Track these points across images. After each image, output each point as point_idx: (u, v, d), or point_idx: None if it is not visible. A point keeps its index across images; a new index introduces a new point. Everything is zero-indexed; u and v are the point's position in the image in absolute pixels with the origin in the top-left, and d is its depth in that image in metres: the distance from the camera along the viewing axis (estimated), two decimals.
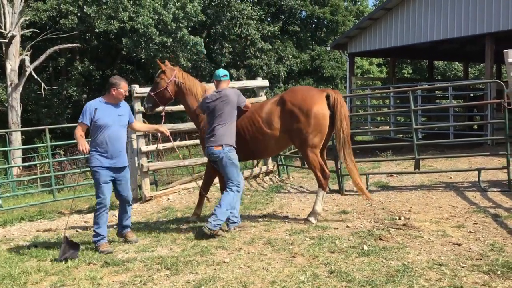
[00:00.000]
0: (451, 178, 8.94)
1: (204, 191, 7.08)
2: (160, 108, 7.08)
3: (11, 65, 22.79)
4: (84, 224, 7.78)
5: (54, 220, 8.50)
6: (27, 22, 25.45)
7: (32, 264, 5.39)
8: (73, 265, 5.20)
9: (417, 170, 8.81)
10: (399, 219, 6.33)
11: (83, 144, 5.73)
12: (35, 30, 24.89)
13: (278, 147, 6.85)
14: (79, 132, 5.92)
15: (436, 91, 18.30)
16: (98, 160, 5.85)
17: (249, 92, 28.04)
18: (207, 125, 6.53)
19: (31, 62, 23.47)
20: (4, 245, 6.69)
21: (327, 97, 6.38)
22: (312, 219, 6.42)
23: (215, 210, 6.08)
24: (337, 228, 6.07)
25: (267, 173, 10.63)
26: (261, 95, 10.58)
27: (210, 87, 7.10)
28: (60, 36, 25.35)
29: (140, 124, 6.60)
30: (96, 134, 5.90)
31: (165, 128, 6.60)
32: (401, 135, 16.46)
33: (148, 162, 9.53)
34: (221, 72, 6.57)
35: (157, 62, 7.13)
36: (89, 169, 6.15)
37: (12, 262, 5.54)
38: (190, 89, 6.89)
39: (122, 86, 6.03)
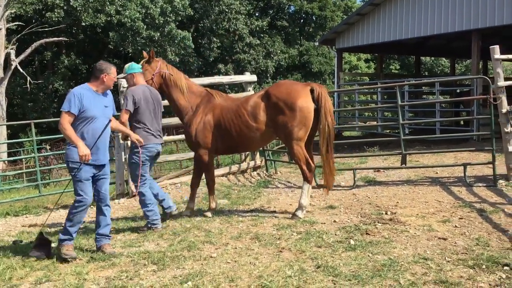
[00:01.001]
0: (437, 173, 9.01)
1: (195, 185, 7.08)
2: None
3: None
4: None
5: (40, 215, 8.43)
6: (12, 15, 25.12)
7: (17, 259, 5.32)
8: (59, 261, 5.15)
9: (403, 165, 8.87)
10: (386, 214, 6.37)
11: (83, 149, 5.06)
12: (20, 23, 24.58)
13: (263, 141, 6.92)
14: (68, 126, 5.13)
15: (423, 87, 18.43)
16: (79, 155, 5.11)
17: (237, 87, 28.05)
18: (188, 120, 6.74)
19: (17, 55, 23.16)
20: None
21: (312, 91, 6.43)
22: (299, 213, 6.44)
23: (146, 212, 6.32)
24: (324, 223, 6.09)
25: (254, 168, 10.63)
26: (249, 90, 10.55)
27: (189, 80, 7.12)
28: (46, 29, 25.08)
29: (115, 122, 5.70)
30: (80, 126, 5.17)
31: (138, 137, 6.04)
32: (388, 131, 16.54)
33: None
34: (137, 65, 6.57)
35: (142, 53, 7.01)
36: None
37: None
38: (176, 82, 6.84)
39: (113, 72, 5.37)
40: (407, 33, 16.16)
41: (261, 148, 10.74)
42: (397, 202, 6.98)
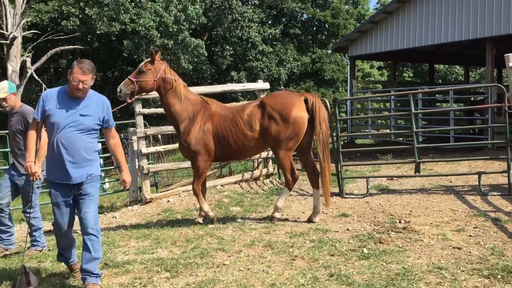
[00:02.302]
0: (451, 181, 8.94)
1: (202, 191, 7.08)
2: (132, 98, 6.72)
3: (12, 66, 22.79)
4: None
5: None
6: (28, 24, 25.47)
7: (32, 265, 5.38)
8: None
9: (417, 173, 8.81)
10: (399, 222, 6.33)
11: (28, 166, 4.50)
12: (36, 31, 24.90)
13: (258, 149, 7.07)
14: (31, 134, 4.55)
15: (437, 95, 18.31)
16: (48, 172, 4.47)
17: (249, 95, 28.11)
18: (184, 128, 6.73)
19: (32, 63, 23.46)
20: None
21: (306, 101, 6.60)
22: (276, 214, 6.84)
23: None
24: (337, 231, 6.07)
25: (267, 176, 10.63)
26: None
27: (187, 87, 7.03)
28: (61, 37, 25.37)
29: (114, 142, 4.67)
30: (50, 136, 4.42)
31: (128, 178, 4.68)
32: (401, 139, 16.45)
33: (149, 164, 9.53)
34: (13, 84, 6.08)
35: (150, 51, 6.84)
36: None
37: (12, 263, 5.54)
38: (176, 88, 6.75)
39: (75, 72, 4.30)
40: (421, 41, 16.10)
41: (273, 156, 10.78)
42: (411, 211, 6.94)
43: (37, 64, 23.99)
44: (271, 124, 6.51)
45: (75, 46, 25.98)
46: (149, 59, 6.73)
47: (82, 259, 4.37)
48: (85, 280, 4.36)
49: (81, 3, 26.62)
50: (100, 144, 5.56)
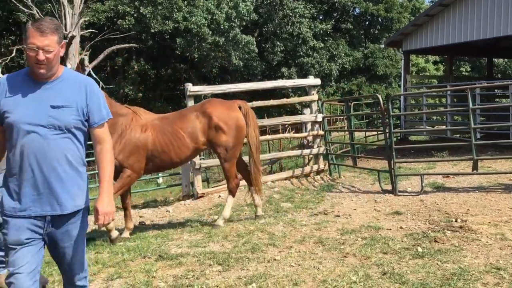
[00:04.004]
0: (511, 179, 8.59)
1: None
2: None
3: (71, 65, 23.68)
4: (139, 218, 8.00)
5: None
6: (86, 23, 26.38)
7: (90, 256, 5.59)
8: (129, 258, 5.36)
9: (475, 171, 8.51)
10: (456, 221, 6.14)
11: None
12: (93, 30, 25.77)
13: (193, 157, 7.11)
14: None
15: (496, 90, 17.58)
16: (5, 200, 2.86)
17: (300, 91, 27.99)
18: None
19: (90, 61, 24.31)
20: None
21: (240, 108, 6.77)
22: (220, 223, 6.68)
23: None
24: (390, 229, 5.96)
25: (318, 172, 10.57)
26: (313, 94, 10.52)
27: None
28: (117, 36, 26.14)
29: (101, 149, 2.99)
30: (9, 146, 2.86)
31: (104, 208, 2.94)
32: (458, 135, 15.92)
33: (200, 159, 9.68)
34: None
35: None
36: None
37: None
38: None
39: (30, 36, 2.72)
40: (479, 34, 15.49)
41: (324, 152, 10.71)
42: (468, 209, 6.72)
43: (94, 63, 24.84)
44: (219, 134, 6.52)
45: (130, 45, 26.70)
46: None
47: None
48: None
49: (136, 2, 27.34)
50: None
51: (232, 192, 6.88)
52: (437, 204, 7.23)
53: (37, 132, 2.78)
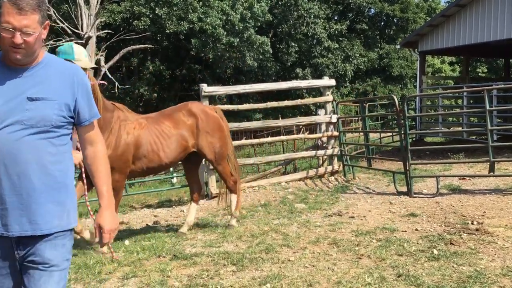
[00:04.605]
0: None
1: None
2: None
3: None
4: (154, 218, 8.04)
5: (126, 214, 8.86)
6: (102, 24, 26.63)
7: (106, 255, 5.64)
8: (144, 257, 5.39)
9: (491, 173, 8.41)
10: (472, 223, 6.08)
11: None
12: (109, 31, 26.00)
13: (181, 159, 6.62)
14: None
15: None
16: None
17: (314, 92, 27.91)
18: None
19: (106, 62, 24.54)
20: (79, 237, 7.03)
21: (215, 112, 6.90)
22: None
23: None
24: (405, 231, 5.92)
25: (332, 173, 10.54)
26: (327, 94, 10.50)
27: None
28: (133, 37, 26.34)
29: (94, 152, 2.52)
30: None
31: (107, 223, 2.49)
32: (474, 137, 15.75)
33: None
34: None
35: None
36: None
37: (87, 252, 5.83)
38: (95, 91, 5.14)
39: (4, 13, 2.17)
40: (496, 35, 15.31)
41: (339, 153, 10.67)
42: (484, 212, 6.64)
43: (110, 63, 25.06)
44: (209, 137, 6.49)
45: (146, 45, 26.89)
46: None
47: None
48: None
49: (151, 3, 27.51)
50: None
51: (232, 190, 6.90)
52: (453, 206, 7.16)
53: (7, 129, 2.21)
